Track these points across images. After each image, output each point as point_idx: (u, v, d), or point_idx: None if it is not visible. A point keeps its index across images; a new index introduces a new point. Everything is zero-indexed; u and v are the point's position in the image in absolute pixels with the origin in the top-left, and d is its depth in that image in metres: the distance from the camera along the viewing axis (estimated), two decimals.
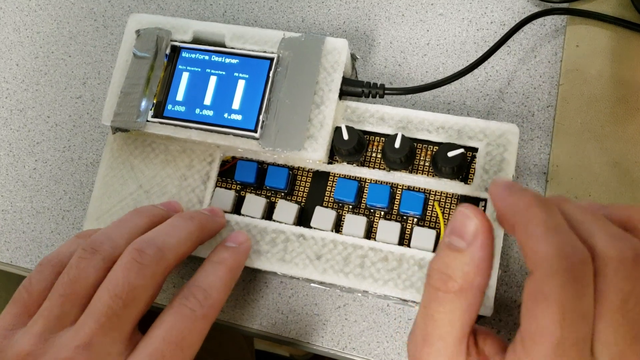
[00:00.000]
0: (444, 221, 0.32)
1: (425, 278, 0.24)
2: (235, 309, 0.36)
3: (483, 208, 0.31)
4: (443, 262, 0.24)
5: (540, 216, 0.22)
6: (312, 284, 0.35)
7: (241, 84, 0.34)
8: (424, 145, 0.34)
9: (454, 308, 0.23)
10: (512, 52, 0.38)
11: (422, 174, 0.33)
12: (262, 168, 0.35)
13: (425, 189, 0.33)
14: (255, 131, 0.33)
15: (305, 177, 0.35)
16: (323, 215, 0.33)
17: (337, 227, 0.34)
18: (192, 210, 0.34)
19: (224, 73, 0.34)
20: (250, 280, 0.36)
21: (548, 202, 0.23)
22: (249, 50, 0.34)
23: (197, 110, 0.34)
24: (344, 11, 0.41)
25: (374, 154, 0.34)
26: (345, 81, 0.34)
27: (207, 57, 0.35)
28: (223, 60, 0.35)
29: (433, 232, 0.32)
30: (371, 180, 0.34)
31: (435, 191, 0.33)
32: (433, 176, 0.33)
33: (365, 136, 0.34)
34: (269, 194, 0.35)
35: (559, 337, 0.21)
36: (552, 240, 0.22)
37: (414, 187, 0.33)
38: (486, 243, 0.23)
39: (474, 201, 0.32)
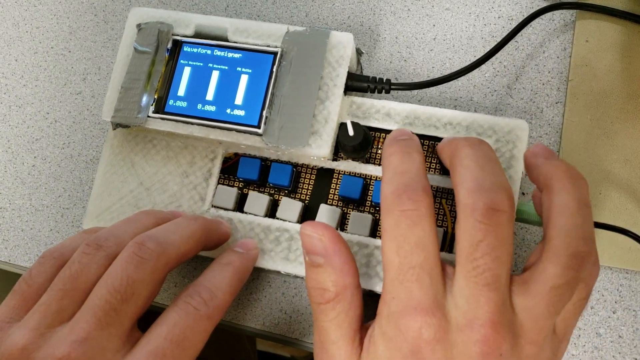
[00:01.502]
0: (452, 219, 0.32)
1: (309, 298, 0.27)
2: (238, 309, 0.35)
3: None
4: (313, 280, 0.26)
5: (393, 163, 0.27)
6: None
7: (244, 79, 0.33)
8: (431, 142, 0.33)
9: (337, 313, 0.26)
10: (520, 48, 0.37)
11: (429, 171, 0.33)
12: (265, 165, 0.34)
13: (432, 186, 0.32)
14: (258, 127, 0.32)
15: (309, 174, 0.34)
16: (327, 213, 0.33)
17: (342, 225, 0.33)
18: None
19: (226, 68, 0.34)
20: (253, 280, 0.35)
21: (411, 151, 0.27)
22: (252, 45, 0.34)
23: (199, 106, 0.33)
24: (348, 5, 0.40)
25: (379, 151, 0.33)
26: (351, 76, 0.33)
27: (209, 52, 0.34)
28: (225, 55, 0.34)
29: (440, 231, 0.31)
30: (377, 177, 0.33)
31: (443, 188, 0.32)
32: (440, 173, 0.32)
33: (371, 132, 0.33)
34: (272, 192, 0.34)
35: (397, 264, 0.24)
36: (393, 181, 0.26)
37: None
38: (337, 249, 0.26)
39: None
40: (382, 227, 0.25)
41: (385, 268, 0.25)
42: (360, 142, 0.32)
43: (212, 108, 0.33)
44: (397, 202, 0.25)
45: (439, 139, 0.32)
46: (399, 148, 0.27)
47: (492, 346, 0.23)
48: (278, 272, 0.33)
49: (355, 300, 0.26)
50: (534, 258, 0.26)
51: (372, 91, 0.34)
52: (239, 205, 0.34)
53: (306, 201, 0.34)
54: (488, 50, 0.35)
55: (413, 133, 0.29)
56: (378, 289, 0.31)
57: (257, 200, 0.33)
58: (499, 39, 0.37)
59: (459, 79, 0.35)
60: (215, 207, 0.34)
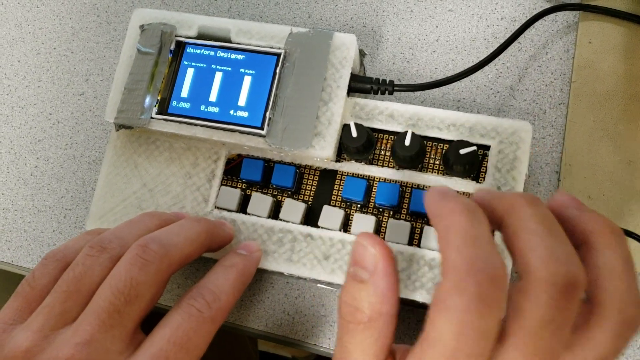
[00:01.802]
0: None
1: (338, 310, 0.24)
2: (240, 310, 0.35)
3: None
4: (350, 295, 0.24)
5: (461, 224, 0.22)
6: (319, 285, 0.35)
7: (247, 80, 0.33)
8: (434, 143, 0.33)
9: (364, 338, 0.23)
10: (523, 49, 0.37)
11: (432, 172, 0.33)
12: (268, 166, 0.34)
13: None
14: (261, 128, 0.32)
15: (312, 176, 0.34)
16: (331, 215, 0.33)
17: (345, 226, 0.33)
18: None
19: (229, 69, 0.34)
20: (256, 281, 0.35)
21: (477, 211, 0.23)
22: (255, 46, 0.34)
23: (203, 107, 0.33)
24: (351, 7, 0.40)
25: (382, 152, 0.33)
26: (354, 77, 0.33)
27: (212, 53, 0.34)
28: (229, 56, 0.34)
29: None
30: (380, 178, 0.33)
31: None
32: (444, 175, 0.32)
33: (374, 134, 0.33)
34: (275, 193, 0.34)
35: (452, 348, 0.21)
36: (466, 251, 0.21)
37: (424, 185, 0.32)
38: (387, 272, 0.23)
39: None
40: (442, 301, 0.21)
41: (431, 344, 0.21)
42: (363, 144, 0.32)
43: (216, 109, 0.33)
44: (473, 280, 0.21)
45: (442, 141, 0.32)
46: (461, 205, 0.23)
47: None
48: (281, 274, 0.33)
49: (388, 330, 0.24)
50: (578, 321, 0.22)
51: (375, 92, 0.34)
52: (242, 207, 0.34)
53: (309, 202, 0.34)
54: (491, 51, 0.35)
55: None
56: None
57: (260, 202, 0.33)
58: (501, 40, 0.37)
59: (462, 80, 0.35)
60: (218, 208, 0.34)
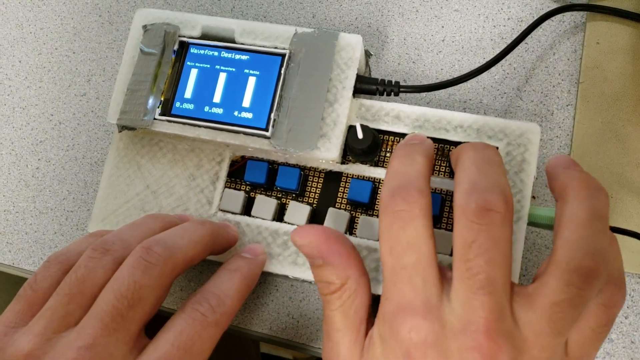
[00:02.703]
0: None
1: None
2: (244, 313, 0.35)
3: None
4: (318, 275, 0.27)
5: (393, 165, 0.26)
6: None
7: (252, 81, 0.33)
8: (440, 145, 0.32)
9: (342, 302, 0.26)
10: (530, 49, 0.36)
11: (438, 174, 0.32)
12: (272, 168, 0.34)
13: (441, 189, 0.32)
14: (266, 130, 0.32)
15: (317, 178, 0.34)
16: (336, 217, 0.32)
17: (351, 229, 0.33)
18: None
19: (233, 70, 0.33)
20: (260, 284, 0.35)
21: (414, 154, 0.27)
22: (260, 46, 0.33)
23: (206, 108, 0.33)
24: (356, 7, 0.39)
25: (388, 154, 0.33)
26: (359, 78, 0.33)
27: (216, 53, 0.34)
28: (233, 57, 0.33)
29: (450, 235, 0.31)
30: None
31: (452, 192, 0.32)
32: (450, 177, 0.32)
33: (380, 135, 0.33)
34: (280, 195, 0.34)
35: (390, 264, 0.24)
36: (389, 183, 0.26)
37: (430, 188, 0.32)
38: (333, 249, 0.26)
39: None
40: (379, 227, 0.25)
41: (383, 270, 0.25)
42: (369, 145, 0.31)
43: (220, 110, 0.33)
44: (390, 202, 0.25)
45: (449, 142, 0.32)
46: (403, 152, 0.27)
47: (486, 354, 0.22)
48: (286, 277, 0.33)
49: (361, 288, 0.26)
50: (542, 270, 0.24)
51: (381, 94, 0.34)
52: (247, 209, 0.34)
53: (314, 205, 0.33)
54: (498, 52, 0.35)
55: (427, 137, 0.29)
56: None
57: (265, 204, 0.33)
58: (508, 41, 0.37)
59: (468, 81, 0.35)
60: (222, 210, 0.33)
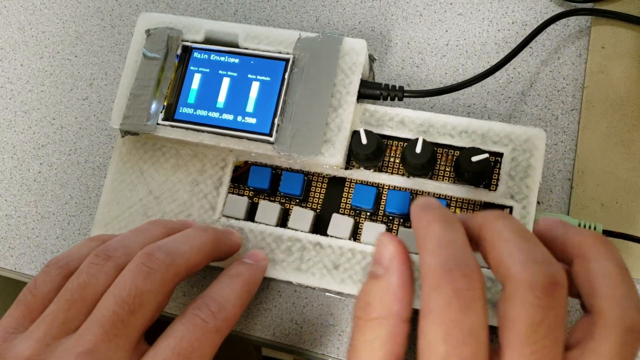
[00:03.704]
0: None
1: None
2: (247, 319, 0.35)
3: None
4: (365, 291, 0.24)
5: (436, 231, 0.23)
6: (327, 294, 0.34)
7: (255, 86, 0.33)
8: (444, 150, 0.32)
9: (373, 338, 0.23)
10: (534, 54, 0.36)
11: (443, 180, 0.32)
12: (276, 173, 0.34)
13: (446, 195, 0.32)
14: (270, 135, 0.32)
15: (321, 183, 0.34)
16: (340, 223, 0.32)
17: (355, 235, 0.33)
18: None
19: (237, 74, 0.33)
20: (263, 289, 0.35)
21: (452, 220, 0.24)
22: (264, 51, 0.33)
23: (210, 113, 0.33)
24: (359, 10, 0.39)
25: (392, 159, 0.33)
26: (363, 83, 0.33)
27: (219, 58, 0.34)
28: (236, 61, 0.33)
29: None
30: (390, 186, 0.32)
31: (457, 198, 0.32)
32: (455, 182, 0.32)
33: (384, 140, 0.33)
34: (283, 201, 0.34)
35: (442, 353, 0.21)
36: (440, 253, 0.22)
37: (434, 193, 0.32)
38: (401, 269, 0.23)
39: (499, 209, 0.30)
40: (425, 305, 0.21)
41: (424, 354, 0.21)
42: (373, 151, 0.31)
43: (223, 115, 0.33)
44: (448, 278, 0.21)
45: (454, 148, 0.32)
46: (438, 216, 0.24)
47: None
48: (289, 282, 0.32)
49: (398, 335, 0.23)
50: (581, 334, 0.22)
51: (385, 98, 0.33)
52: (250, 215, 0.34)
53: (318, 210, 0.33)
54: (502, 56, 0.35)
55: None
56: None
57: (268, 210, 0.33)
58: (512, 45, 0.37)
59: (472, 85, 0.35)
60: (225, 216, 0.33)
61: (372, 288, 0.24)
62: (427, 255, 0.22)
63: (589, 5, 0.36)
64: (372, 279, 0.24)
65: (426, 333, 0.21)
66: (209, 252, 0.29)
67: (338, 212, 0.33)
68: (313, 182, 0.34)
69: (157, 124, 0.33)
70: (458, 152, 0.32)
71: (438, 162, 0.32)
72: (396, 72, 0.37)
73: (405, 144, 0.32)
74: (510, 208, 0.30)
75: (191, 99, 0.33)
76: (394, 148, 0.33)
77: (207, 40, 0.34)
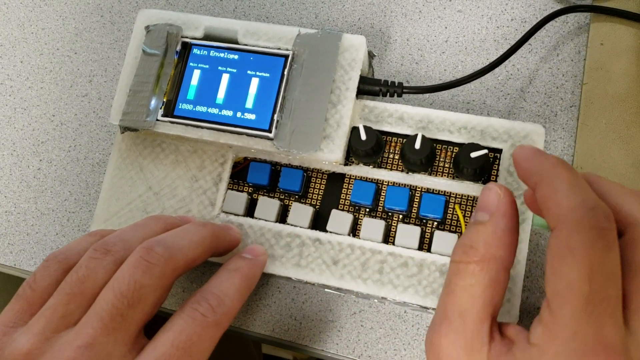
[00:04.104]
0: (466, 225, 0.31)
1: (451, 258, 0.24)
2: (247, 315, 0.35)
3: None
4: (467, 235, 0.23)
5: (565, 174, 0.22)
6: (326, 290, 0.34)
7: (255, 82, 0.33)
8: (444, 146, 0.32)
9: (474, 282, 0.22)
10: (533, 50, 0.36)
11: (442, 176, 0.32)
12: (275, 170, 0.34)
13: (446, 191, 0.32)
14: (269, 131, 0.32)
15: (320, 179, 0.34)
16: (339, 219, 0.32)
17: (354, 231, 0.33)
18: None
19: (236, 71, 0.33)
20: (262, 285, 0.35)
21: (573, 168, 0.23)
22: (263, 47, 0.33)
23: (209, 109, 0.33)
24: (358, 7, 0.39)
25: (391, 155, 0.33)
26: (363, 79, 0.33)
27: (219, 54, 0.34)
28: (236, 58, 0.33)
29: (454, 237, 0.31)
30: (389, 182, 0.32)
31: (457, 194, 0.32)
32: (454, 178, 0.32)
33: (383, 136, 0.33)
34: (283, 197, 0.34)
35: (587, 292, 0.20)
36: (577, 194, 0.21)
37: (434, 189, 0.32)
38: (509, 213, 0.23)
39: None
40: (563, 245, 0.20)
41: (563, 295, 0.20)
42: (372, 147, 0.31)
43: (222, 112, 0.33)
44: (591, 217, 0.20)
45: (453, 144, 0.32)
46: (559, 160, 0.23)
47: None
48: (288, 278, 0.33)
49: (499, 283, 0.23)
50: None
51: (384, 95, 0.33)
52: (249, 211, 0.34)
53: (317, 206, 0.33)
54: (501, 53, 0.35)
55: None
56: (390, 296, 0.30)
57: (268, 206, 0.33)
58: (511, 42, 0.37)
59: (472, 82, 0.35)
60: (225, 212, 0.33)
61: (476, 232, 0.23)
62: (561, 197, 0.21)
63: (588, 2, 0.36)
64: (475, 225, 0.23)
65: (566, 273, 0.20)
66: (208, 247, 0.30)
67: (337, 208, 0.33)
68: (312, 178, 0.34)
69: (157, 120, 0.33)
70: (457, 148, 0.32)
71: (437, 158, 0.32)
72: (395, 69, 0.38)
73: (405, 140, 0.32)
74: None
75: (191, 95, 0.33)
76: (393, 144, 0.33)
77: (206, 37, 0.34)
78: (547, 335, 0.21)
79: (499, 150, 0.31)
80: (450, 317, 0.23)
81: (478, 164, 0.30)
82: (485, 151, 0.30)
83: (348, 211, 0.33)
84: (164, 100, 0.33)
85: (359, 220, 0.33)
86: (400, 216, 0.32)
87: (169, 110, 0.33)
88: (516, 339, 0.22)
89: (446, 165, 0.32)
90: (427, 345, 0.23)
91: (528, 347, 0.21)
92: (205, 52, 0.34)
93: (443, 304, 0.23)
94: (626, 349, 0.20)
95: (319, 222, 0.33)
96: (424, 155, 0.30)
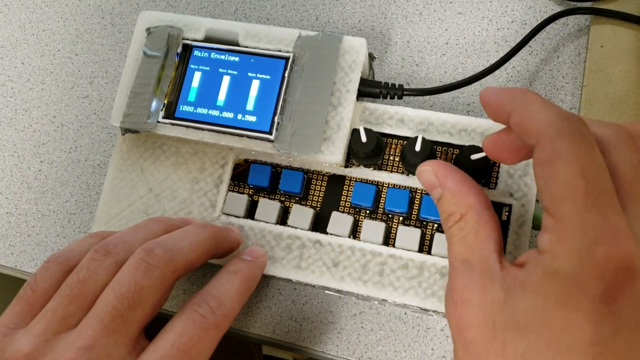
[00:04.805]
0: None
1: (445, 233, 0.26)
2: (247, 316, 0.35)
3: (507, 214, 0.30)
4: (441, 211, 0.26)
5: (535, 97, 0.23)
6: (327, 292, 0.34)
7: (255, 84, 0.33)
8: (444, 148, 0.32)
9: (465, 233, 0.24)
10: (534, 52, 0.36)
11: None
12: (276, 171, 0.34)
13: None
14: (270, 133, 0.32)
15: (320, 181, 0.34)
16: (340, 221, 0.32)
17: (355, 233, 0.33)
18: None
19: (237, 73, 0.33)
20: (263, 287, 0.35)
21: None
22: (264, 49, 0.33)
23: (210, 111, 0.33)
24: (359, 9, 0.39)
25: (392, 157, 0.33)
26: (363, 82, 0.33)
27: (220, 56, 0.34)
28: (236, 60, 0.33)
29: None
30: (389, 184, 0.33)
31: None
32: None
33: (383, 139, 0.33)
34: (283, 199, 0.34)
35: (584, 186, 0.21)
36: (551, 109, 0.22)
37: None
38: (448, 172, 0.26)
39: (498, 206, 0.31)
40: (549, 152, 0.21)
41: (561, 195, 0.21)
42: (373, 149, 0.31)
43: (223, 114, 0.33)
44: (570, 124, 0.22)
45: (454, 146, 0.32)
46: (526, 89, 0.25)
47: None
48: (289, 280, 0.33)
49: (485, 221, 0.24)
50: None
51: (385, 97, 0.34)
52: (250, 213, 0.34)
53: (317, 208, 0.33)
54: (501, 55, 0.35)
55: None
56: (390, 298, 0.30)
57: (268, 208, 0.33)
58: (512, 44, 0.37)
59: (472, 84, 0.35)
60: (225, 214, 0.33)
61: (443, 205, 0.26)
62: (537, 114, 0.23)
63: (588, 4, 0.36)
64: (438, 202, 0.26)
65: (559, 175, 0.21)
66: (208, 248, 0.30)
67: (338, 210, 0.33)
68: (313, 180, 0.34)
69: (158, 122, 0.33)
70: (457, 150, 0.32)
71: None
72: (396, 71, 0.38)
73: (405, 142, 0.32)
74: (510, 206, 0.30)
75: (191, 97, 0.33)
76: (393, 146, 0.33)
77: (207, 39, 0.34)
78: (555, 239, 0.21)
79: None
80: (456, 266, 0.24)
81: (478, 166, 0.30)
82: (485, 153, 0.30)
83: (348, 213, 0.33)
84: (165, 102, 0.33)
85: (360, 222, 0.33)
86: (401, 218, 0.32)
87: (170, 112, 0.33)
88: (526, 259, 0.23)
89: None
90: (445, 300, 0.25)
91: (539, 257, 0.22)
92: (206, 54, 0.34)
93: (450, 262, 0.25)
94: (634, 233, 0.21)
95: (319, 224, 0.33)
96: (425, 157, 0.30)
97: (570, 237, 0.21)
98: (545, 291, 0.21)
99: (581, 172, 0.21)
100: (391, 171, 0.33)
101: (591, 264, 0.20)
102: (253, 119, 0.32)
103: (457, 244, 0.25)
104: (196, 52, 0.34)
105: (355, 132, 0.32)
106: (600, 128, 0.23)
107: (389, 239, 0.32)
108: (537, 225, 0.30)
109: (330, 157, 0.31)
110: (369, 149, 0.31)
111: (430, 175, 0.27)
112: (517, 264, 0.23)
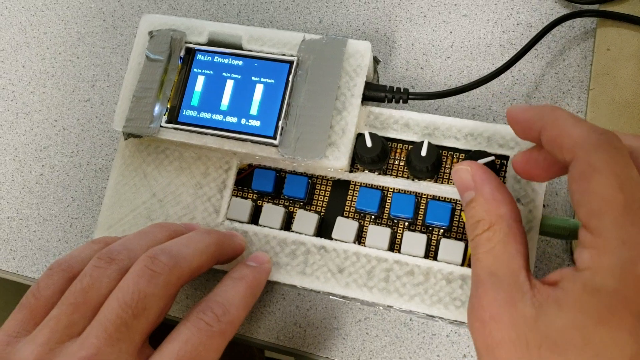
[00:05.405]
0: None
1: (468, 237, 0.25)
2: (251, 322, 0.34)
3: None
4: (469, 217, 0.25)
5: (565, 113, 0.23)
6: (331, 297, 0.34)
7: (259, 89, 0.33)
8: (450, 153, 0.32)
9: (493, 244, 0.24)
10: (539, 55, 0.36)
11: (449, 183, 0.32)
12: (280, 176, 0.34)
13: (452, 198, 0.32)
14: (274, 138, 0.32)
15: (325, 186, 0.33)
16: (345, 226, 0.32)
17: (360, 238, 0.32)
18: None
19: (241, 77, 0.33)
20: (267, 293, 0.35)
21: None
22: (268, 53, 0.33)
23: (213, 116, 0.33)
24: (363, 12, 0.39)
25: (397, 162, 0.33)
26: (368, 86, 0.33)
27: (223, 60, 0.33)
28: (240, 64, 0.33)
29: (461, 245, 0.30)
30: (395, 189, 0.32)
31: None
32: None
33: (388, 143, 0.33)
34: (287, 204, 0.34)
35: (622, 200, 0.21)
36: (584, 125, 0.22)
37: (440, 196, 0.32)
38: (486, 177, 0.25)
39: None
40: (585, 166, 0.21)
41: (600, 210, 0.21)
42: (378, 154, 0.31)
43: (227, 118, 0.32)
44: (606, 139, 0.22)
45: (460, 151, 0.32)
46: (554, 105, 0.26)
47: None
48: (293, 286, 0.32)
49: (514, 235, 0.24)
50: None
51: (390, 101, 0.33)
52: (254, 218, 0.33)
53: (322, 214, 0.33)
54: (507, 58, 0.34)
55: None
56: (396, 304, 0.30)
57: (273, 213, 0.33)
58: (517, 47, 0.36)
59: (477, 87, 0.34)
60: (229, 219, 0.33)
61: (473, 209, 0.25)
62: (570, 130, 0.22)
63: (594, 6, 0.36)
64: (468, 205, 0.25)
65: (597, 189, 0.21)
66: (212, 254, 0.29)
67: (342, 216, 0.33)
68: (317, 185, 0.33)
69: (161, 126, 0.33)
70: (463, 155, 0.32)
71: (443, 165, 0.32)
72: (400, 74, 0.37)
73: (410, 146, 0.32)
74: None
75: (195, 101, 0.33)
76: (398, 151, 0.33)
77: (210, 42, 0.34)
78: (595, 255, 0.21)
79: (506, 157, 0.31)
80: (483, 279, 0.23)
81: None
82: (492, 158, 0.30)
83: (353, 218, 0.32)
84: (168, 106, 0.33)
85: (365, 228, 0.32)
86: (406, 224, 0.32)
87: (173, 116, 0.33)
88: (560, 277, 0.22)
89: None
90: (470, 315, 0.24)
91: (577, 274, 0.21)
92: (210, 58, 0.33)
93: (474, 274, 0.24)
94: None
95: (324, 230, 0.33)
96: (430, 162, 0.30)
97: (611, 251, 0.20)
98: (586, 308, 0.21)
99: (619, 185, 0.21)
100: (396, 176, 0.32)
101: (634, 279, 0.20)
102: (257, 123, 0.32)
103: (485, 255, 0.24)
104: (199, 56, 0.34)
105: (360, 137, 0.31)
106: (632, 141, 0.23)
107: (394, 245, 0.32)
108: (543, 232, 0.29)
109: (335, 162, 0.31)
110: (374, 153, 0.31)
111: (468, 176, 0.26)
112: (548, 282, 0.22)
